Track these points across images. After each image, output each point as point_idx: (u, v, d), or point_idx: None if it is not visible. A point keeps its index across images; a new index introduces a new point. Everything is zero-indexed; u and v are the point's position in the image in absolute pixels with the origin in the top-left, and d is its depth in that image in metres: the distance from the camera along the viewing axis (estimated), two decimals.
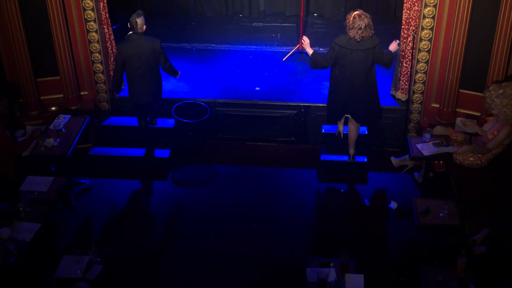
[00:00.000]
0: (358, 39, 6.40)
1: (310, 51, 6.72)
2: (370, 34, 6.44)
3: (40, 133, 6.52)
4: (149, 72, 6.78)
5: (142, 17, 6.67)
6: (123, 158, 7.35)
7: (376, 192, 6.97)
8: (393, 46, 6.68)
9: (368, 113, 6.86)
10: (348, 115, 6.94)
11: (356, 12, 6.42)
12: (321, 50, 8.70)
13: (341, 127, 7.23)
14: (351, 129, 7.05)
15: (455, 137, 6.54)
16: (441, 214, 5.61)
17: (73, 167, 6.90)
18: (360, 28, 6.35)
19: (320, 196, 6.99)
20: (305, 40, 6.81)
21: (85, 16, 7.17)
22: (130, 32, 6.73)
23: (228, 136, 7.79)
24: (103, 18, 7.35)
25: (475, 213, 5.84)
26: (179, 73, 7.14)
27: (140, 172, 7.29)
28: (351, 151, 7.16)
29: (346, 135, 7.22)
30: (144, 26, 6.71)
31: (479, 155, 6.35)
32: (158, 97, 7.12)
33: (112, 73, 7.66)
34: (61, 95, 7.59)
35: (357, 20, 6.35)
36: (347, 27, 6.45)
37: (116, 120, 7.65)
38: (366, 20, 6.36)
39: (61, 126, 6.77)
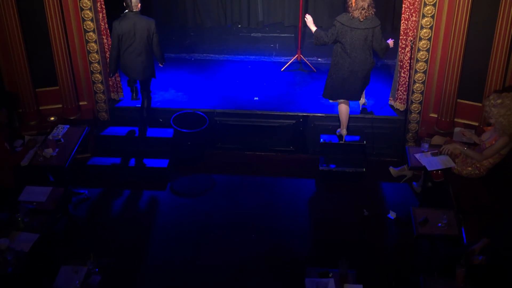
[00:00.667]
0: (362, 19, 6.59)
1: (313, 28, 6.97)
2: (373, 13, 6.63)
3: (34, 143, 6.52)
4: (142, 50, 6.99)
5: None
6: (122, 168, 7.35)
7: (374, 202, 6.97)
8: (390, 42, 6.91)
9: (362, 89, 7.05)
10: (341, 100, 7.09)
11: None
12: (319, 60, 8.75)
13: (344, 131, 7.31)
14: (342, 112, 7.18)
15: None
16: (439, 224, 5.61)
17: (72, 177, 6.89)
18: (364, 8, 6.58)
19: (318, 205, 6.99)
20: (308, 18, 7.03)
21: (84, 27, 7.19)
22: (126, 11, 6.90)
23: (227, 146, 7.80)
24: (102, 28, 7.38)
25: (473, 222, 5.83)
26: (165, 61, 7.39)
27: (138, 182, 7.29)
28: (344, 131, 7.29)
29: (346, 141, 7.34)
30: (139, 5, 6.90)
31: (477, 165, 6.36)
32: (151, 77, 7.27)
33: (110, 81, 7.71)
34: (60, 105, 7.60)
35: (360, 1, 6.57)
36: (350, 8, 6.65)
37: (114, 130, 7.66)
38: (368, 0, 6.56)
39: (59, 136, 6.77)
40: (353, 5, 6.61)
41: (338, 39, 6.77)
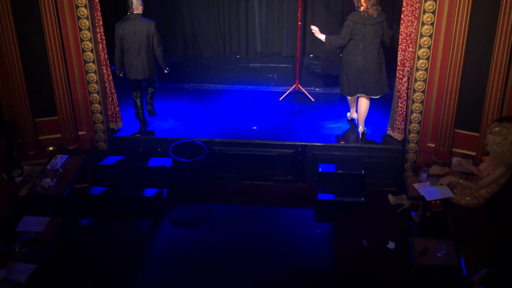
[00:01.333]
0: (376, 15, 7.05)
1: (322, 36, 7.26)
2: (380, 8, 7.12)
3: (31, 178, 6.52)
4: (142, 51, 7.38)
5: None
6: (120, 198, 7.33)
7: (373, 232, 6.94)
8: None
9: (381, 84, 7.36)
10: (360, 94, 7.42)
11: None
12: (317, 90, 8.80)
13: (354, 114, 7.67)
14: (361, 106, 7.51)
15: None
16: (439, 254, 5.59)
17: (70, 207, 6.87)
18: (374, 4, 7.03)
19: (317, 236, 6.96)
20: (314, 28, 7.31)
21: (84, 58, 7.25)
22: (128, 13, 7.27)
23: (225, 175, 7.79)
24: (102, 59, 7.44)
25: (473, 253, 5.80)
26: (168, 68, 7.69)
27: (136, 211, 7.27)
28: (361, 129, 7.58)
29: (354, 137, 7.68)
30: (141, 7, 7.38)
31: (476, 195, 6.36)
32: (152, 77, 7.63)
33: (109, 111, 7.74)
34: (59, 135, 7.62)
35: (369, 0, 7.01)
36: (362, 8, 7.04)
37: (113, 159, 7.66)
38: None
39: (58, 166, 6.78)
40: (364, 4, 7.00)
41: (351, 37, 7.06)
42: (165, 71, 7.69)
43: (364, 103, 7.50)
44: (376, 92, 7.40)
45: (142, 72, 7.47)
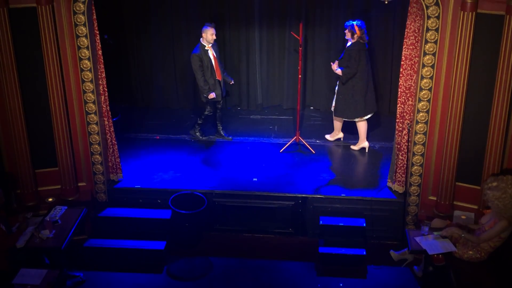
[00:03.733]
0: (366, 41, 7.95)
1: (339, 70, 8.02)
2: None
3: (27, 225, 6.46)
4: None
5: (204, 27, 8.20)
6: (119, 251, 7.25)
7: (376, 286, 6.83)
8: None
9: (375, 98, 8.32)
10: (368, 115, 8.22)
11: (358, 23, 7.82)
12: (317, 142, 8.83)
13: (366, 143, 8.40)
14: (363, 126, 8.26)
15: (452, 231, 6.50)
16: None
17: (68, 260, 6.78)
18: (364, 32, 7.88)
19: None
20: (334, 67, 8.06)
21: (86, 109, 7.30)
22: None
23: (225, 227, 7.72)
24: (103, 110, 7.48)
25: None
26: (208, 93, 8.46)
27: (135, 264, 7.17)
28: (366, 143, 8.39)
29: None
30: (204, 35, 8.20)
31: (478, 249, 6.30)
32: (203, 102, 8.66)
33: (110, 162, 7.74)
34: (59, 186, 7.58)
35: (360, 28, 7.81)
36: (356, 36, 7.82)
37: (112, 211, 7.62)
38: (360, 23, 7.86)
39: (57, 218, 6.72)
40: (358, 33, 7.80)
41: (358, 64, 7.90)
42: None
43: (364, 124, 8.26)
44: (376, 107, 8.24)
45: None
